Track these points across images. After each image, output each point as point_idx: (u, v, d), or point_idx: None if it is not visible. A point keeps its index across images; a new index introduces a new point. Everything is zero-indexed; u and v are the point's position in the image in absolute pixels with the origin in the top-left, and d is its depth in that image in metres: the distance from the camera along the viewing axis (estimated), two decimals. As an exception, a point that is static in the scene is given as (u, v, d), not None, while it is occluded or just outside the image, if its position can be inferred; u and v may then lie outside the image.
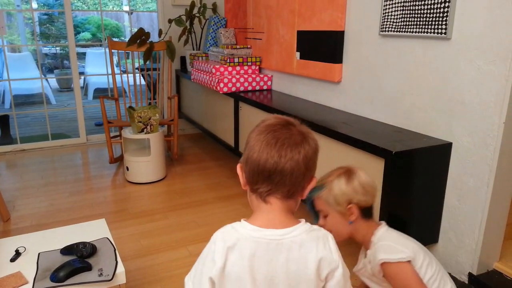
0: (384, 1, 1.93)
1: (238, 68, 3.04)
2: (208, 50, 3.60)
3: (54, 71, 7.47)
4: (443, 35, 1.66)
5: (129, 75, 3.85)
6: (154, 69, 4.16)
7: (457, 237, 1.72)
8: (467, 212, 1.67)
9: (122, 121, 3.31)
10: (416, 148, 1.62)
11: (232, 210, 2.51)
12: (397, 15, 1.87)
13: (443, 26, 1.65)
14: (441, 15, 1.66)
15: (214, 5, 3.73)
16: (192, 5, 3.57)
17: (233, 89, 2.91)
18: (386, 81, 2.01)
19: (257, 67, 3.14)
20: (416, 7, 1.76)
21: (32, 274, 1.34)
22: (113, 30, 8.17)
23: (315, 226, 0.92)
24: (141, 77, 4.18)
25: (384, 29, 1.96)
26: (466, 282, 1.70)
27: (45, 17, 7.64)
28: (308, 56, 2.54)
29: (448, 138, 1.71)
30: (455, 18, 1.63)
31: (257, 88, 3.02)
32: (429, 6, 1.70)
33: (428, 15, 1.71)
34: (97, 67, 6.46)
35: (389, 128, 1.93)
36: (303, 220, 0.91)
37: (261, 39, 3.10)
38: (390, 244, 1.24)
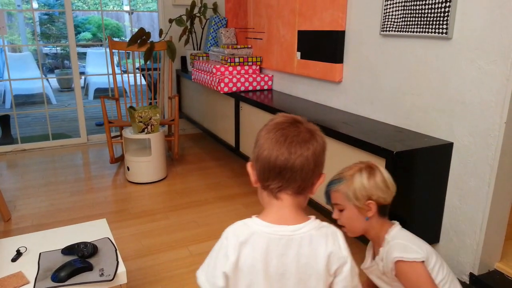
0: (385, 1, 1.93)
1: (238, 68, 3.04)
2: (208, 50, 3.60)
3: (55, 71, 7.48)
4: (444, 34, 1.66)
5: (129, 75, 3.86)
6: (155, 69, 4.17)
7: (458, 237, 1.72)
8: (468, 212, 1.67)
9: (122, 121, 3.31)
10: (417, 148, 1.62)
11: (232, 210, 2.51)
12: (398, 14, 1.87)
13: (444, 26, 1.65)
14: (442, 14, 1.66)
15: (215, 5, 3.73)
16: (193, 5, 3.57)
17: (234, 89, 2.91)
18: (386, 80, 2.01)
19: (258, 67, 3.14)
20: (417, 7, 1.76)
21: (33, 274, 1.34)
22: (114, 30, 8.18)
23: (325, 223, 0.94)
24: (142, 77, 4.18)
25: (384, 29, 1.96)
26: (467, 282, 1.70)
27: (46, 17, 7.64)
28: (309, 56, 2.54)
29: (449, 138, 1.71)
30: (456, 18, 1.62)
31: (258, 88, 3.02)
32: (430, 6, 1.70)
33: (429, 15, 1.71)
34: (97, 67, 6.46)
35: (390, 128, 1.93)
36: (313, 217, 0.93)
37: (261, 39, 3.10)
38: (405, 243, 1.23)
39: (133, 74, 3.48)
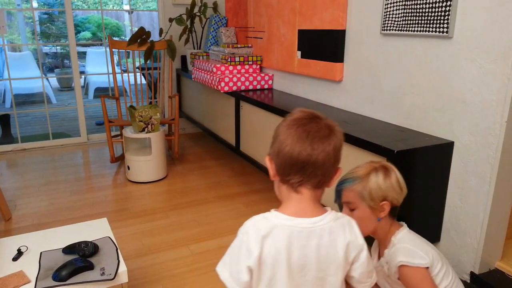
0: (385, 0, 1.93)
1: (239, 67, 3.04)
2: (209, 49, 3.59)
3: (55, 70, 7.48)
4: (444, 34, 1.66)
5: (129, 74, 3.85)
6: (155, 68, 4.17)
7: (459, 236, 1.72)
8: (469, 211, 1.67)
9: (123, 120, 3.31)
10: (418, 147, 1.62)
11: (233, 209, 2.51)
12: (398, 14, 1.87)
13: (445, 25, 1.65)
14: (442, 14, 1.65)
15: (215, 4, 3.72)
16: (193, 4, 3.56)
17: (234, 88, 2.91)
18: (387, 80, 2.01)
19: (258, 66, 3.14)
20: (418, 6, 1.76)
21: (34, 273, 1.34)
22: (114, 29, 8.17)
23: (340, 214, 0.96)
24: (142, 76, 4.18)
25: (385, 28, 1.95)
26: (468, 281, 1.70)
27: (46, 16, 7.63)
28: (309, 55, 2.53)
29: (450, 137, 1.71)
30: (456, 17, 1.62)
31: (258, 87, 3.02)
32: (430, 5, 1.70)
33: (429, 14, 1.71)
34: (97, 66, 6.46)
35: (391, 127, 1.93)
36: (329, 209, 0.96)
37: (262, 38, 3.09)
38: (410, 247, 1.22)
39: (133, 73, 3.48)
